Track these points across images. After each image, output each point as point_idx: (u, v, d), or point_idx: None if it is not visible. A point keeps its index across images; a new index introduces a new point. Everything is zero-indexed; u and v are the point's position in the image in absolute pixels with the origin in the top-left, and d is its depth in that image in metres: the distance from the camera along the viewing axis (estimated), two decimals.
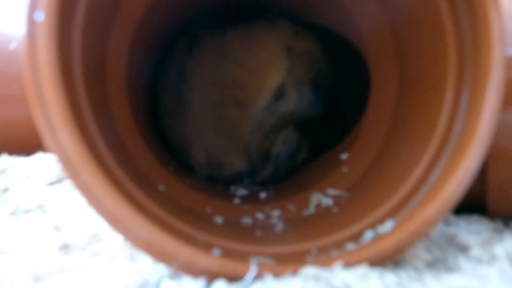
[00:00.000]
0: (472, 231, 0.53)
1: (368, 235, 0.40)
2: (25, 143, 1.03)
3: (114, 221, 0.33)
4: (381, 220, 0.41)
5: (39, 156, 1.03)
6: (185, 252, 0.33)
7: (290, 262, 0.37)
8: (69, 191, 0.73)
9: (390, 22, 0.53)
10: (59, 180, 0.82)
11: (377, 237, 0.38)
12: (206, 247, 0.36)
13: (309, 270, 0.34)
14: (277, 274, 0.34)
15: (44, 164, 0.93)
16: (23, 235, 0.53)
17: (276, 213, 0.51)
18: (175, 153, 0.65)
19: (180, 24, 0.67)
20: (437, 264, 0.43)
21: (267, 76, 0.60)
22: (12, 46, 1.03)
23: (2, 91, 1.02)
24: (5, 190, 0.76)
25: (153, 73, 0.67)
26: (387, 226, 0.40)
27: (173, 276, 0.40)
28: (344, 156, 0.59)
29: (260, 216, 0.50)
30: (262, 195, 0.60)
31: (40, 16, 0.32)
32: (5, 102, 1.02)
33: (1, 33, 1.05)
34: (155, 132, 0.66)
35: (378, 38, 0.56)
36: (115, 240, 0.51)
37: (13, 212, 0.64)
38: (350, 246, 0.39)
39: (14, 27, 1.06)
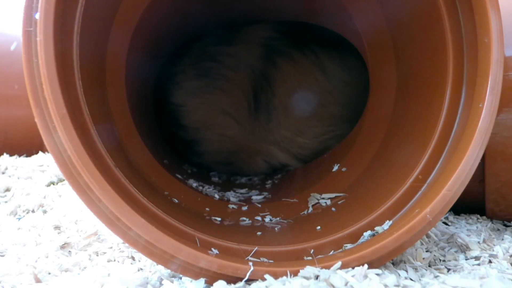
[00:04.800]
0: (472, 231, 0.53)
1: (367, 235, 0.40)
2: (25, 143, 1.03)
3: (113, 223, 0.33)
4: (379, 221, 0.41)
5: (39, 156, 1.03)
6: (185, 252, 0.33)
7: (289, 262, 0.36)
8: (69, 191, 0.73)
9: (390, 24, 0.53)
10: (60, 180, 0.82)
11: (375, 237, 0.38)
12: (206, 247, 0.36)
13: (308, 270, 0.34)
14: (276, 274, 0.34)
15: (45, 164, 0.93)
16: (24, 235, 0.53)
17: (274, 213, 0.51)
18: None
19: (181, 24, 0.67)
20: (437, 264, 0.43)
21: None
22: (13, 46, 1.03)
23: (2, 91, 1.02)
24: (6, 190, 0.77)
25: (156, 74, 0.67)
26: (386, 227, 0.40)
27: (173, 276, 0.40)
28: (341, 157, 0.59)
29: (258, 216, 0.50)
30: (261, 195, 0.60)
31: (38, 16, 0.32)
32: (5, 102, 1.03)
33: (2, 33, 1.06)
34: (157, 132, 0.66)
35: (377, 39, 0.56)
36: (115, 240, 0.51)
37: (14, 212, 0.64)
38: (349, 246, 0.39)
39: (14, 27, 1.06)
